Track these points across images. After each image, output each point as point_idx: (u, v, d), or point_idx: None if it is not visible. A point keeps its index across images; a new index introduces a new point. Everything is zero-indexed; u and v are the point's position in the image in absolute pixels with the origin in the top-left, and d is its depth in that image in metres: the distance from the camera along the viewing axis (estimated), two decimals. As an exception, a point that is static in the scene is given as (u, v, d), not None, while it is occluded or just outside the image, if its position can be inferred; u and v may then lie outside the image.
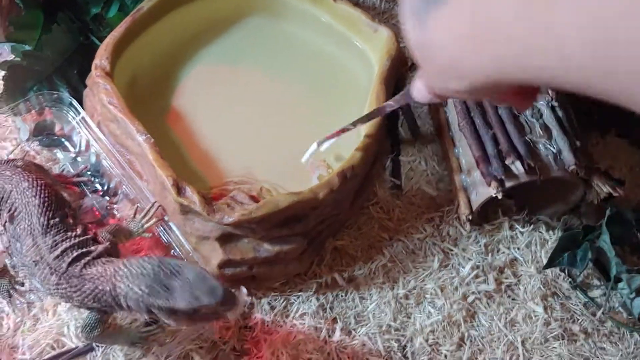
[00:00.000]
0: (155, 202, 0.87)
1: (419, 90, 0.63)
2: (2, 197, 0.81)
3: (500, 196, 0.91)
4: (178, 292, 0.70)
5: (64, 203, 0.82)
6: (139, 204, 0.88)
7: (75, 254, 0.76)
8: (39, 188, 0.81)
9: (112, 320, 0.83)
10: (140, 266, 0.73)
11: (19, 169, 0.84)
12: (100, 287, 0.74)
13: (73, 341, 0.83)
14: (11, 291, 0.85)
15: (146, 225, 0.85)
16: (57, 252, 0.76)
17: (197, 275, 0.72)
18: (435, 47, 0.47)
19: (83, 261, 0.76)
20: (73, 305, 0.78)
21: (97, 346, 0.82)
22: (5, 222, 0.80)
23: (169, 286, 0.71)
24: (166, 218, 0.87)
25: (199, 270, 0.73)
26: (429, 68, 0.51)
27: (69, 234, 0.78)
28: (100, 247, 0.78)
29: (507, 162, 0.92)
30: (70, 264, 0.75)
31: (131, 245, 0.90)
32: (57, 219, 0.79)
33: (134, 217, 0.86)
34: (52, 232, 0.78)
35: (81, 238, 0.78)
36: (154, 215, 0.86)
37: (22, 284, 0.86)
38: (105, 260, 0.76)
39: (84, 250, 0.77)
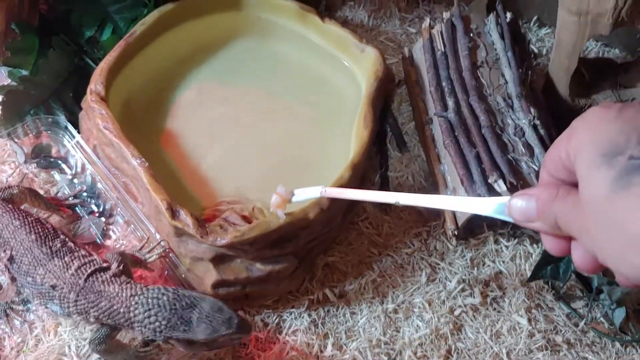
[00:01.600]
0: (161, 240, 0.90)
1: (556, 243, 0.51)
2: None
3: (483, 213, 0.94)
4: (196, 324, 0.75)
5: (57, 232, 0.85)
6: (145, 235, 0.91)
7: (90, 270, 0.80)
8: (31, 224, 0.84)
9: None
10: (157, 297, 0.76)
11: (8, 206, 0.86)
12: (115, 307, 0.77)
13: (74, 359, 0.86)
14: (8, 311, 0.88)
15: (150, 260, 0.89)
16: (72, 270, 0.80)
17: (212, 306, 0.76)
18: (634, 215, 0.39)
19: (100, 278, 0.80)
20: (88, 322, 0.81)
21: (97, 364, 0.85)
22: (6, 264, 0.83)
23: (187, 318, 0.75)
24: (171, 255, 0.90)
25: (214, 302, 0.77)
26: (609, 234, 0.41)
27: (76, 254, 0.82)
28: (114, 266, 0.81)
29: (489, 180, 0.95)
30: (86, 280, 0.79)
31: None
32: (58, 245, 0.82)
33: (140, 250, 0.90)
34: (59, 256, 0.82)
35: (90, 257, 0.82)
36: (160, 254, 0.90)
37: (23, 302, 0.89)
38: (122, 281, 0.80)
39: (98, 267, 0.81)
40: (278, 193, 0.79)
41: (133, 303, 0.77)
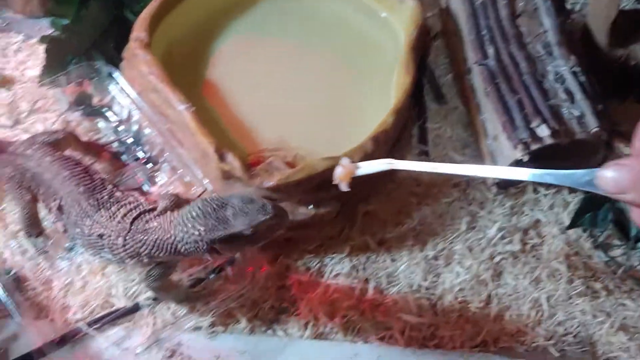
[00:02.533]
0: (207, 184, 0.91)
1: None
2: (48, 187, 0.85)
3: (526, 159, 0.95)
4: (233, 219, 0.75)
5: (104, 183, 0.86)
6: (192, 181, 0.92)
7: (135, 214, 0.81)
8: (79, 176, 0.85)
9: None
10: (188, 211, 0.77)
11: (56, 154, 0.87)
12: (161, 237, 0.78)
13: (121, 301, 0.87)
14: (46, 248, 0.89)
15: None
16: (118, 218, 0.81)
17: (243, 199, 0.76)
18: None
19: (145, 218, 0.81)
20: (142, 264, 0.83)
21: (144, 305, 0.87)
22: (57, 213, 0.85)
23: (223, 217, 0.75)
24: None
25: (243, 195, 0.77)
26: None
27: (123, 202, 0.83)
28: (161, 205, 0.83)
29: (532, 125, 0.95)
30: (132, 223, 0.80)
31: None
32: (105, 197, 0.84)
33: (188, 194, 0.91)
34: (106, 207, 0.83)
35: (135, 203, 0.83)
36: None
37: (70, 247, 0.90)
38: (163, 214, 0.81)
39: (143, 210, 0.82)
40: (343, 164, 0.77)
41: (172, 227, 0.78)
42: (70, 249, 0.91)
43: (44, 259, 0.89)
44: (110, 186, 0.86)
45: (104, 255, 0.83)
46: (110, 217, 0.82)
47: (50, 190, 0.85)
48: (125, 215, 0.82)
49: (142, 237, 0.80)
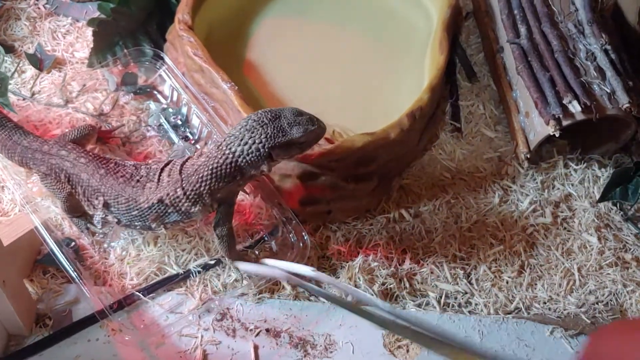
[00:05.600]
0: None
1: None
2: (87, 186, 0.89)
3: (557, 134, 0.98)
4: (288, 128, 0.82)
5: (137, 165, 0.90)
6: None
7: (177, 166, 0.87)
8: (114, 170, 0.89)
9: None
10: (244, 125, 0.83)
11: (89, 155, 0.91)
12: (216, 164, 0.83)
13: (174, 268, 0.92)
14: (89, 225, 0.94)
15: None
16: (165, 179, 0.86)
17: (293, 112, 0.83)
18: None
19: (190, 162, 0.86)
20: (208, 209, 0.87)
21: (194, 272, 0.92)
22: (104, 210, 0.89)
23: (279, 127, 0.82)
24: None
25: (291, 108, 0.84)
26: None
27: (160, 167, 0.88)
28: (201, 145, 0.88)
29: (564, 101, 0.98)
30: (181, 173, 0.86)
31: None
32: (144, 174, 0.88)
33: None
34: (150, 179, 0.88)
35: (170, 159, 0.89)
36: None
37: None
38: (201, 152, 0.87)
39: (182, 160, 0.87)
40: None
41: (226, 146, 0.83)
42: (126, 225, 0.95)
43: (86, 235, 0.94)
44: (144, 166, 0.90)
45: (170, 219, 0.87)
46: (157, 184, 0.87)
47: (91, 189, 0.89)
48: (169, 173, 0.87)
49: (197, 177, 0.84)
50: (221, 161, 0.83)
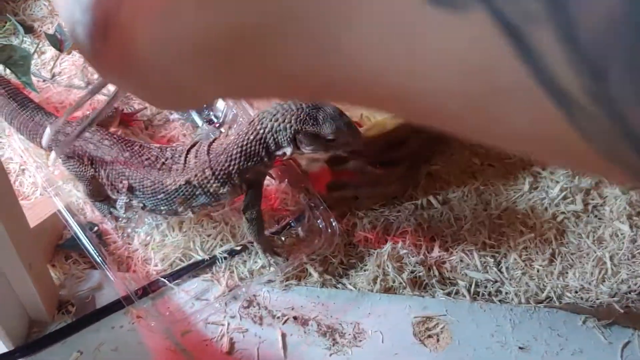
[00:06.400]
0: None
1: None
2: (111, 170, 0.87)
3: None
4: (322, 121, 0.80)
5: (163, 147, 0.88)
6: None
7: (205, 146, 0.85)
8: (139, 153, 0.87)
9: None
10: (279, 104, 0.82)
11: (113, 137, 0.89)
12: (245, 142, 0.82)
13: (199, 254, 0.90)
14: (111, 210, 0.92)
15: None
16: (192, 160, 0.85)
17: (334, 110, 0.81)
18: None
19: (219, 141, 0.85)
20: (236, 191, 0.86)
21: (220, 259, 0.90)
22: (129, 195, 0.87)
23: (314, 116, 0.80)
24: None
25: (334, 107, 0.82)
26: None
27: (186, 148, 0.87)
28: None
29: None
30: (208, 153, 0.84)
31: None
32: (168, 156, 0.87)
33: None
34: (176, 162, 0.86)
35: (196, 140, 0.88)
36: None
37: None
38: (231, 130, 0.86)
39: (209, 141, 0.86)
40: None
41: (258, 121, 0.81)
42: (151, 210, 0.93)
43: (109, 220, 0.91)
44: (169, 148, 0.88)
45: (198, 202, 0.85)
46: (184, 165, 0.85)
47: (115, 173, 0.87)
48: (196, 155, 0.85)
49: (225, 156, 0.83)
50: (251, 137, 0.81)
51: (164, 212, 0.88)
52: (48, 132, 0.80)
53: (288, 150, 0.83)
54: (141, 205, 0.87)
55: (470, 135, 0.24)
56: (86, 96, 0.66)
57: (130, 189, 0.86)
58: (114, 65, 0.28)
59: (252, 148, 0.82)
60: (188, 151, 0.86)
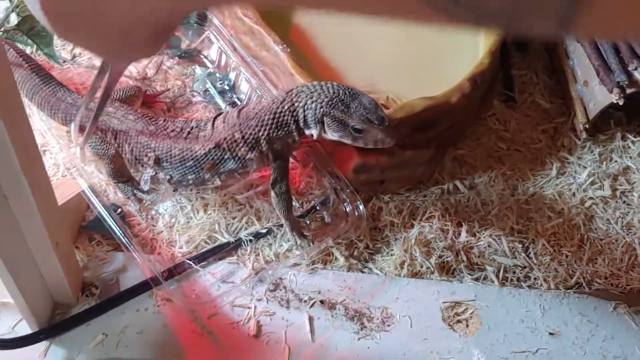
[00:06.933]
0: None
1: None
2: (136, 143, 0.86)
3: (621, 102, 0.94)
4: (353, 110, 0.79)
5: (187, 119, 0.88)
6: None
7: (235, 112, 0.85)
8: (165, 126, 0.87)
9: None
10: (319, 84, 0.81)
11: (137, 112, 0.88)
12: (280, 109, 0.82)
13: (224, 237, 0.89)
14: (135, 191, 0.90)
15: None
16: (221, 124, 0.84)
17: (370, 102, 0.80)
18: None
19: (252, 105, 0.85)
20: (264, 159, 0.85)
21: (246, 241, 0.88)
22: (155, 168, 0.86)
23: (347, 103, 0.80)
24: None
25: (372, 99, 0.81)
26: None
27: (212, 117, 0.86)
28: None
29: (629, 68, 0.94)
30: (239, 116, 0.84)
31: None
32: (194, 127, 0.86)
33: None
34: (201, 129, 0.86)
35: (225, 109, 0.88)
36: None
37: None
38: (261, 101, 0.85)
39: (240, 106, 0.86)
40: None
41: (295, 93, 0.81)
42: (175, 190, 0.92)
43: (133, 202, 0.90)
44: (192, 120, 0.88)
45: (225, 167, 0.85)
46: (212, 130, 0.85)
47: (140, 146, 0.86)
48: (224, 120, 0.85)
49: (256, 120, 0.83)
50: (285, 107, 0.81)
51: (191, 181, 0.87)
52: (74, 126, 0.83)
53: (314, 132, 0.82)
54: (168, 177, 0.86)
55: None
56: (97, 81, 0.66)
57: (157, 161, 0.85)
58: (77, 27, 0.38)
59: (284, 118, 0.81)
60: (214, 119, 0.86)
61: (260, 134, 0.83)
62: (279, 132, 0.83)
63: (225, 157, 0.84)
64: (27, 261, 0.71)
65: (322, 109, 0.80)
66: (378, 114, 0.79)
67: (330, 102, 0.79)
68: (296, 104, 0.81)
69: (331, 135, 0.82)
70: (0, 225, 0.63)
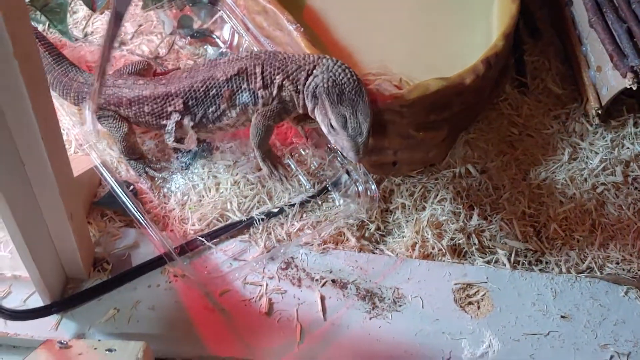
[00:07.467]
0: None
1: None
2: (155, 99, 0.87)
3: (635, 87, 0.94)
4: (343, 107, 0.81)
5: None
6: None
7: (262, 51, 0.88)
8: (182, 72, 0.89)
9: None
10: (341, 66, 0.83)
11: (147, 77, 0.91)
12: (304, 64, 0.84)
13: (237, 215, 0.88)
14: (147, 169, 0.90)
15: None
16: (245, 54, 0.87)
17: (364, 113, 0.81)
18: None
19: (286, 54, 0.87)
20: (269, 99, 0.86)
21: (258, 220, 0.88)
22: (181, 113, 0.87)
23: (340, 97, 0.81)
24: None
25: (369, 113, 0.81)
26: None
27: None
28: None
29: (644, 53, 0.94)
30: (266, 53, 0.87)
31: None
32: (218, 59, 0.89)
33: None
34: (228, 63, 0.87)
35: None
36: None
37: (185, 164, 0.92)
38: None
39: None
40: None
41: (321, 63, 0.83)
42: (186, 167, 0.91)
43: (145, 180, 0.90)
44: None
45: (240, 99, 0.86)
46: (237, 55, 0.87)
47: (160, 101, 0.87)
48: (251, 52, 0.88)
49: (279, 64, 0.85)
50: (309, 67, 0.84)
51: (211, 116, 0.87)
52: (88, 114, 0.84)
53: (309, 105, 0.84)
54: (191, 119, 0.87)
55: None
56: (104, 51, 0.66)
57: (185, 105, 0.87)
58: None
59: (301, 75, 0.84)
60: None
61: (277, 76, 0.84)
62: (292, 87, 0.84)
63: (243, 87, 0.85)
64: (42, 233, 0.71)
65: (320, 88, 0.82)
66: (360, 126, 0.80)
67: (331, 85, 0.81)
68: (315, 72, 0.83)
69: (317, 116, 0.84)
70: (16, 193, 0.62)
